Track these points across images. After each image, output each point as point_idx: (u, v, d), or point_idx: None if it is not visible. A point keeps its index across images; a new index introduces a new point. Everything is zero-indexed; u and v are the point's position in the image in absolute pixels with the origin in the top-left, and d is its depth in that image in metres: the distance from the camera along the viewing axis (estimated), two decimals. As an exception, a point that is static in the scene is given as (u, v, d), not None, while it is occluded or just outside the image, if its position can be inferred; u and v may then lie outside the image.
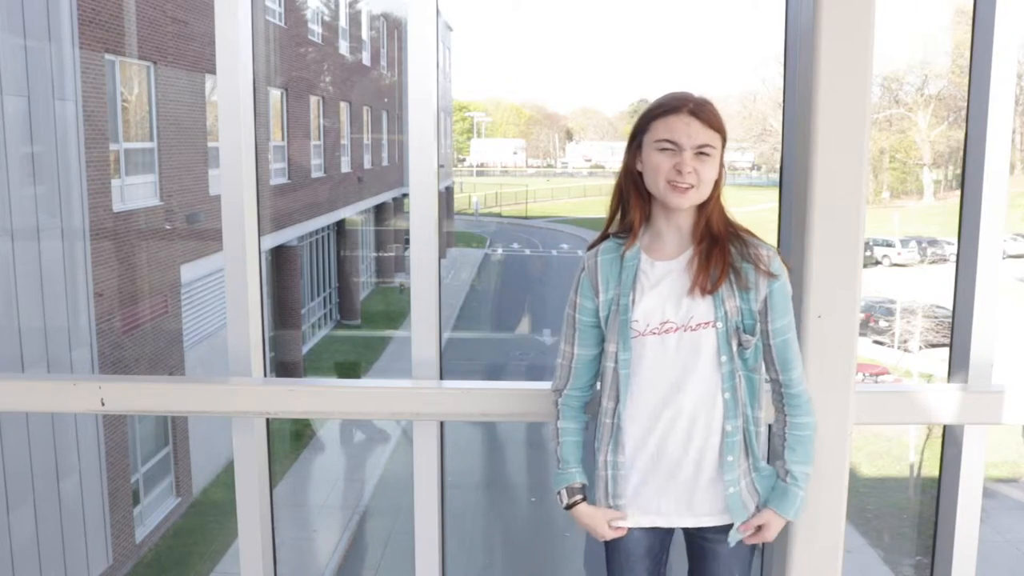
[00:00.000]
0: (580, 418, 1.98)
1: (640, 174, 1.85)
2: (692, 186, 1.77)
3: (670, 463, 1.85)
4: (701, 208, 1.84)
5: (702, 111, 1.78)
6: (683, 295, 1.82)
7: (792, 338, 1.87)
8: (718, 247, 1.81)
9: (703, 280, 1.80)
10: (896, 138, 17.27)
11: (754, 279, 1.81)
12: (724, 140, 1.82)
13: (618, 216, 1.92)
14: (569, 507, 1.93)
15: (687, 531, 1.95)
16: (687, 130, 1.77)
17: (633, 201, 1.87)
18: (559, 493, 1.94)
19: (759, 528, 1.90)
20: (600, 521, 1.91)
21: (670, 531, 1.96)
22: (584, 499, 1.93)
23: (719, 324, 1.80)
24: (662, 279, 1.84)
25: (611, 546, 1.98)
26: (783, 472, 1.90)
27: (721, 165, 1.82)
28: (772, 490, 1.90)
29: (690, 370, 1.82)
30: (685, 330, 1.81)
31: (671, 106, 1.79)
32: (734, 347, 1.82)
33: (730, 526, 1.90)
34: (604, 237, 1.92)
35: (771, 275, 1.82)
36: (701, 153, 1.77)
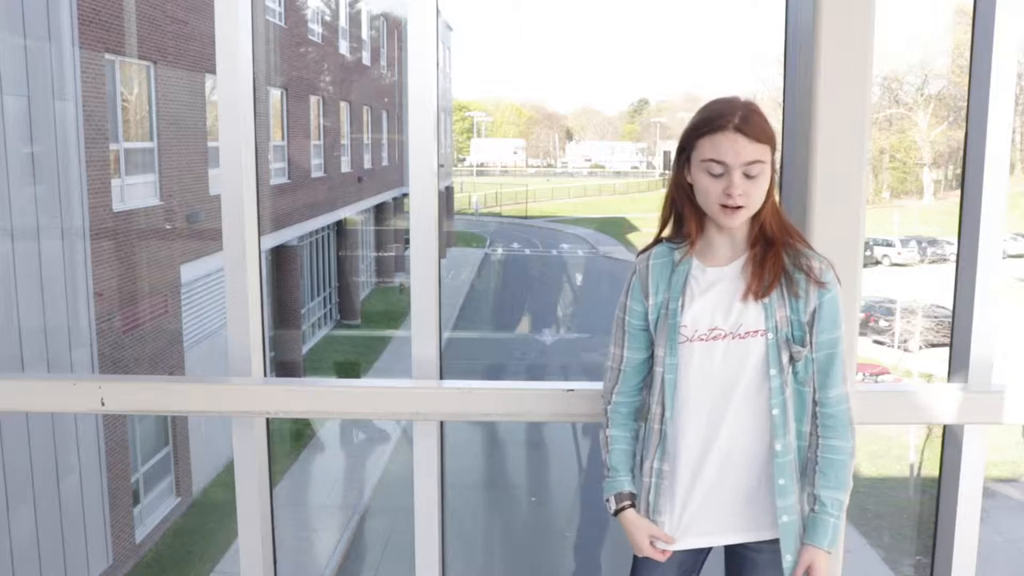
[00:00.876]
0: (630, 426, 1.94)
1: (691, 186, 1.81)
2: (742, 207, 1.74)
3: (714, 475, 1.82)
4: (755, 215, 1.80)
5: (748, 125, 1.72)
6: (733, 302, 1.78)
7: (837, 355, 1.81)
8: (772, 251, 1.78)
9: (757, 284, 1.77)
10: (896, 138, 17.28)
11: (804, 288, 1.78)
12: (774, 147, 1.77)
13: (670, 222, 1.89)
14: (616, 513, 1.90)
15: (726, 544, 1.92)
16: (734, 147, 1.71)
17: (687, 212, 1.83)
18: (607, 500, 1.91)
19: (809, 571, 1.82)
20: (643, 534, 1.86)
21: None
22: (632, 506, 1.89)
23: (769, 334, 1.77)
24: (713, 285, 1.81)
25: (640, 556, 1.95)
26: (811, 499, 1.82)
27: (773, 170, 1.78)
28: (806, 523, 1.83)
29: (737, 379, 1.78)
30: (733, 338, 1.78)
31: (716, 123, 1.73)
32: (784, 360, 1.78)
33: (770, 541, 1.84)
34: (656, 242, 1.90)
35: (821, 285, 1.78)
36: (750, 173, 1.73)
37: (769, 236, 1.80)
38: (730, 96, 1.77)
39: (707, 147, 1.74)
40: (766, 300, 1.78)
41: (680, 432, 1.83)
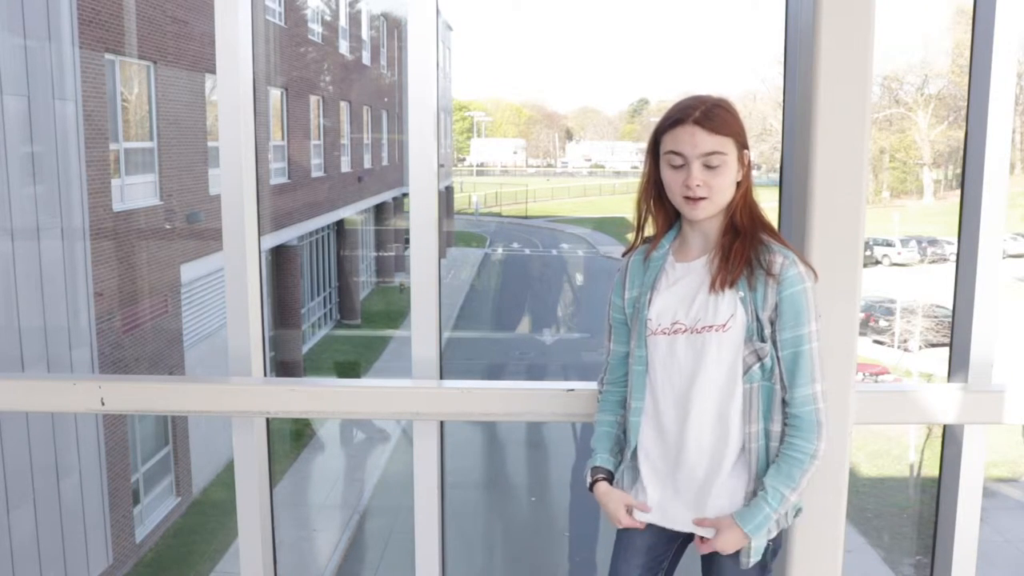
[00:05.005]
0: (616, 412, 1.97)
1: (660, 184, 1.86)
2: (704, 198, 1.76)
3: (680, 466, 1.84)
4: (726, 209, 1.82)
5: (708, 119, 1.75)
6: (696, 296, 1.81)
7: (803, 353, 1.76)
8: (739, 241, 1.79)
9: (722, 276, 1.78)
10: (896, 138, 17.28)
11: (763, 283, 1.77)
12: (740, 143, 1.78)
13: (642, 219, 1.92)
14: (592, 486, 1.94)
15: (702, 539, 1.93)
16: (692, 140, 1.75)
17: (656, 208, 1.89)
18: (586, 476, 1.95)
19: (717, 532, 1.81)
20: (617, 503, 1.89)
21: (678, 536, 1.94)
22: (606, 479, 1.92)
23: (727, 329, 1.78)
24: (680, 279, 1.85)
25: (618, 534, 1.98)
26: (759, 484, 1.80)
27: (745, 166, 1.80)
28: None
29: (698, 373, 1.80)
30: (691, 332, 1.80)
31: (676, 117, 1.78)
32: (745, 354, 1.78)
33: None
34: (643, 242, 1.95)
35: (780, 283, 1.76)
36: (709, 165, 1.76)
37: (738, 228, 1.81)
38: (702, 94, 1.81)
39: (669, 140, 1.79)
40: (728, 295, 1.78)
41: (649, 422, 1.87)
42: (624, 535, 1.95)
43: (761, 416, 1.80)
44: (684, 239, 1.88)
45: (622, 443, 1.96)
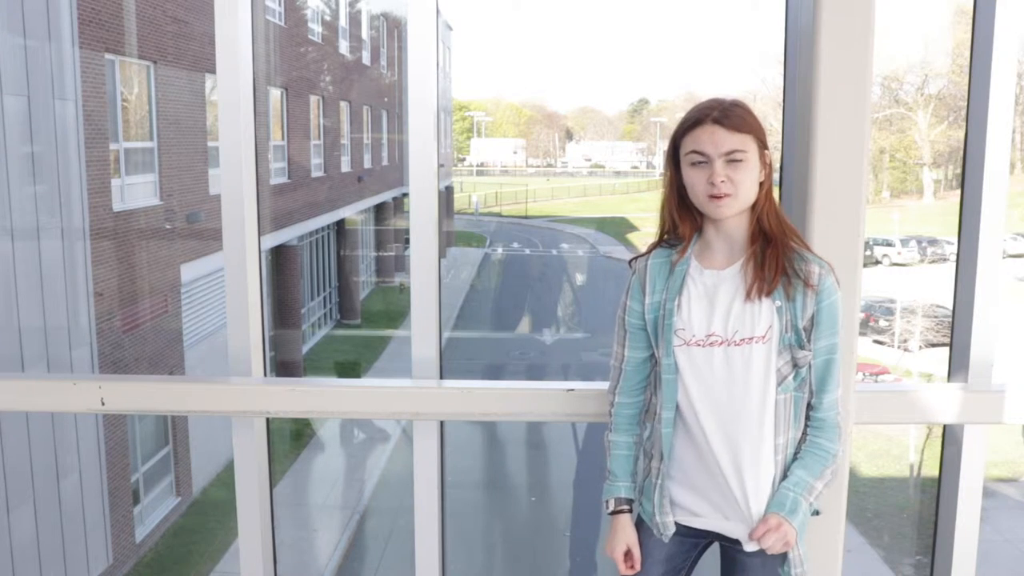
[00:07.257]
0: (632, 431, 1.96)
1: (683, 187, 1.84)
2: (728, 195, 1.75)
3: (715, 477, 1.83)
4: (751, 212, 1.81)
5: (727, 117, 1.75)
6: (732, 307, 1.79)
7: (835, 360, 1.82)
8: (772, 247, 1.78)
9: (759, 283, 1.77)
10: (896, 138, 17.28)
11: (802, 292, 1.78)
12: (761, 141, 1.78)
13: (668, 226, 1.90)
14: (613, 514, 1.96)
15: (722, 544, 1.93)
16: (712, 139, 1.75)
17: (681, 215, 1.86)
18: (606, 502, 1.97)
19: (771, 533, 1.80)
20: (621, 542, 1.93)
21: (699, 544, 1.94)
22: (629, 511, 1.95)
23: (767, 340, 1.77)
24: (710, 289, 1.82)
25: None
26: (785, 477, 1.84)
27: (767, 166, 1.79)
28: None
29: (737, 386, 1.79)
30: (729, 344, 1.78)
31: (695, 118, 1.78)
32: (782, 365, 1.78)
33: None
34: (656, 245, 1.92)
35: (818, 293, 1.78)
36: (732, 160, 1.75)
37: (768, 233, 1.80)
38: (717, 97, 1.81)
39: (689, 142, 1.79)
40: (764, 305, 1.77)
41: (682, 434, 1.85)
42: (643, 545, 1.95)
43: (790, 426, 1.82)
44: (707, 244, 1.85)
45: (638, 463, 1.96)
